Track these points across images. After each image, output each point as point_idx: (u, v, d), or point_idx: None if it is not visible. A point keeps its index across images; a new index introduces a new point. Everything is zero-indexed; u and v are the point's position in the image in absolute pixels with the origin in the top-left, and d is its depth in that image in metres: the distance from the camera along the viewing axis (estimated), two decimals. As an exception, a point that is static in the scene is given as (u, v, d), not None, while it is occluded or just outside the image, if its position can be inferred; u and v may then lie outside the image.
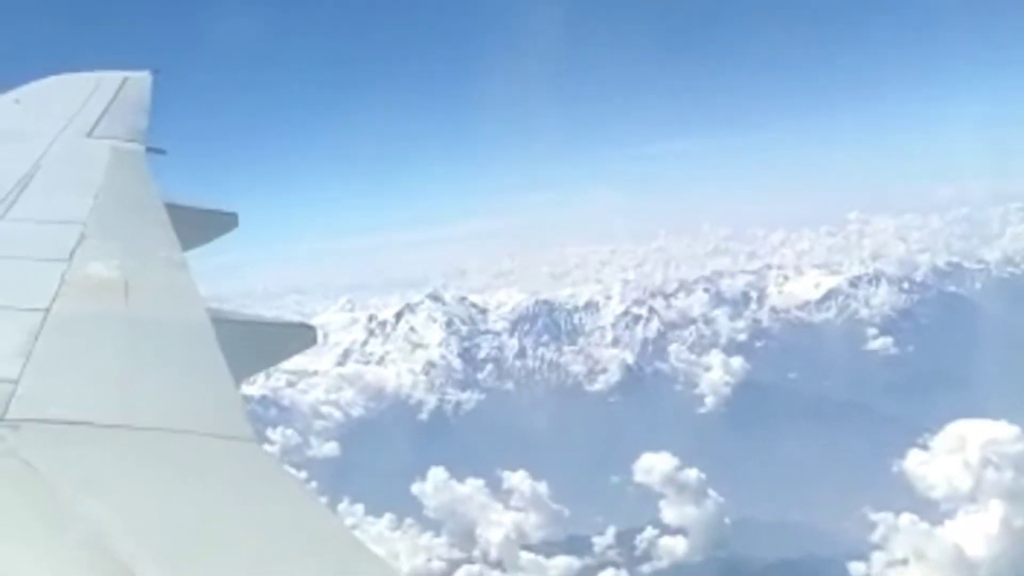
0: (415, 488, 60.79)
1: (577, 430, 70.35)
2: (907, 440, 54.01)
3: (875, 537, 48.92)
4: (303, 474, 60.88)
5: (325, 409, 78.39)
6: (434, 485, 60.58)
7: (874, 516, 49.66)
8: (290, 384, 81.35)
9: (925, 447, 52.19)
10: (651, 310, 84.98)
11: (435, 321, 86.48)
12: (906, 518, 48.04)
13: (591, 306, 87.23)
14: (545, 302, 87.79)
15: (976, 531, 45.66)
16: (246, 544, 5.71)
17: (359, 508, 61.78)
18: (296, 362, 76.52)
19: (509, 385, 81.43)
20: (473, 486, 60.25)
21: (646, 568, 53.11)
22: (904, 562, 46.41)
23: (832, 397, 67.12)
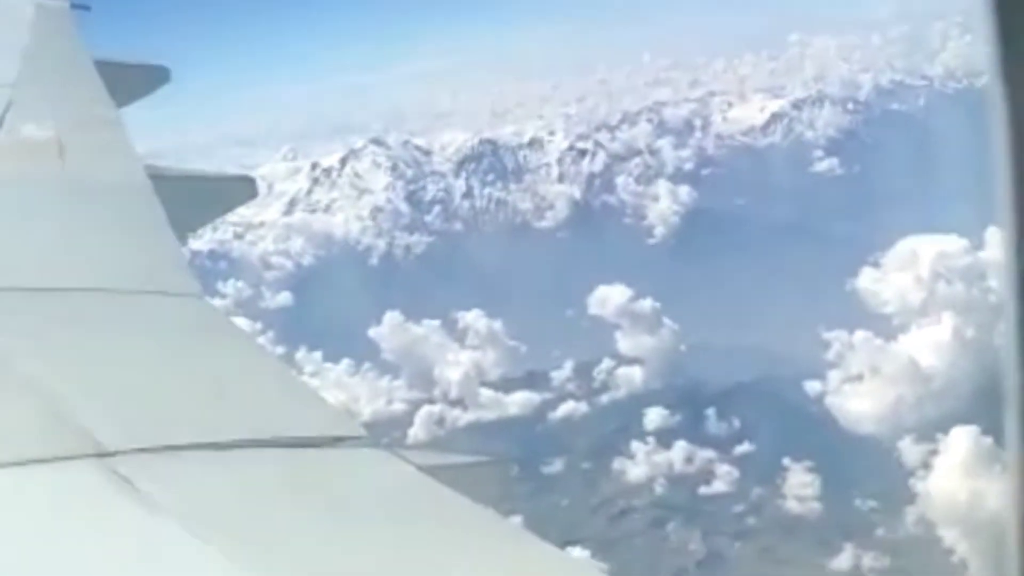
0: (372, 332, 60.85)
1: (528, 267, 70.59)
2: (858, 259, 54.55)
3: (830, 355, 49.81)
4: (258, 325, 60.94)
5: (275, 260, 78.09)
6: (390, 328, 60.79)
7: (828, 335, 50.39)
8: (237, 236, 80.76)
9: (876, 265, 52.75)
10: (596, 144, 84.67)
11: (379, 166, 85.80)
12: (860, 335, 48.92)
13: (535, 143, 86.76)
14: (489, 141, 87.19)
15: (929, 344, 46.60)
16: (200, 398, 5.50)
17: (317, 355, 61.78)
18: (241, 214, 75.97)
19: (457, 226, 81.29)
20: (429, 327, 60.55)
21: (604, 399, 53.88)
22: (859, 378, 47.46)
23: (780, 221, 67.59)
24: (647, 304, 57.05)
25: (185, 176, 9.65)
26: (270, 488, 5.05)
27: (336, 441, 5.61)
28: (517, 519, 41.83)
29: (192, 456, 5.06)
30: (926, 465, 42.93)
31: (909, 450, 43.97)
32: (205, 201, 9.81)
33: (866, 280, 52.33)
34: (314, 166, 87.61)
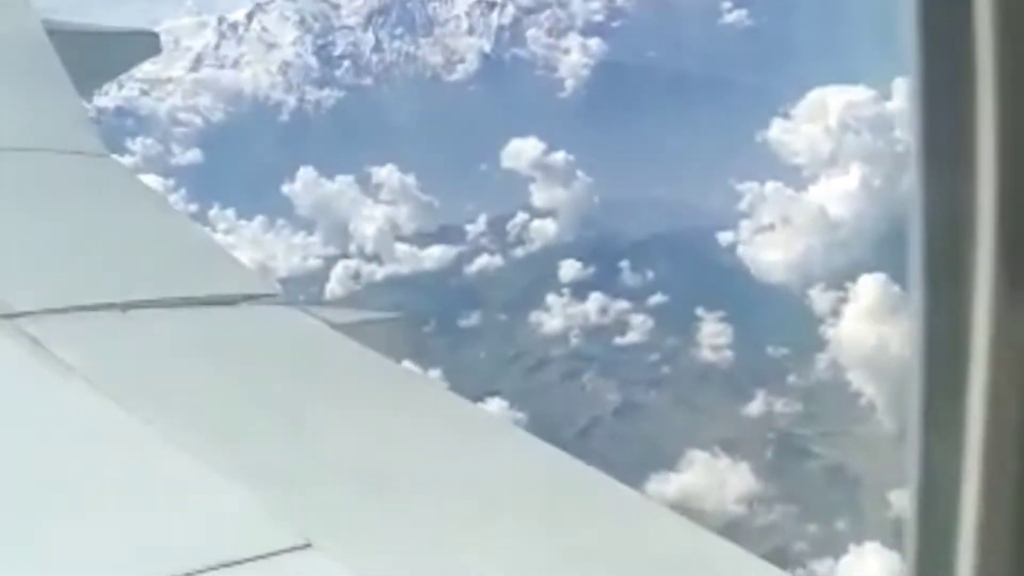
0: (285, 189, 60.41)
1: (440, 121, 70.14)
2: (768, 110, 54.79)
3: (742, 206, 50.25)
4: (170, 182, 60.41)
5: (183, 116, 76.81)
6: (304, 184, 60.37)
7: (740, 186, 50.79)
8: (144, 93, 79.23)
9: (787, 116, 53.02)
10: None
11: (287, 19, 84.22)
12: (771, 186, 49.39)
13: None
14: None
15: (838, 193, 47.17)
16: (109, 257, 5.51)
17: (230, 213, 61.35)
18: (147, 71, 74.41)
19: (367, 81, 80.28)
20: (343, 183, 60.19)
21: (519, 252, 54.04)
22: (771, 228, 48.03)
23: (691, 73, 67.39)
24: (560, 157, 57.03)
25: (85, 31, 9.43)
26: (179, 346, 5.14)
27: (248, 299, 5.65)
28: (435, 372, 42.29)
29: (100, 316, 5.10)
30: (835, 312, 43.80)
31: (819, 298, 44.80)
32: (106, 57, 9.63)
33: (776, 131, 52.61)
34: (220, 20, 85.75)
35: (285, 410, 4.48)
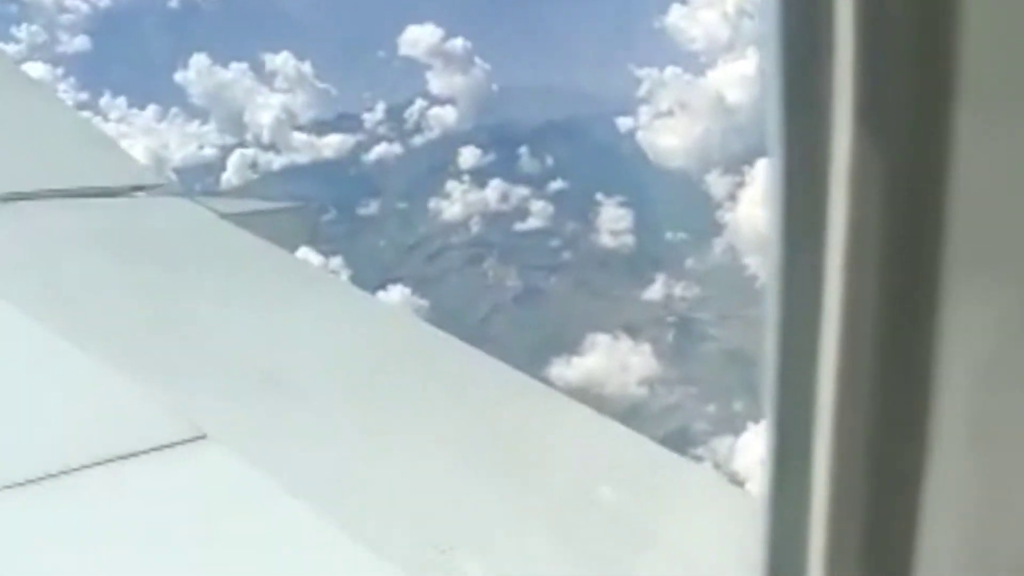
0: (178, 77, 59.31)
1: (334, 8, 68.89)
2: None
3: (641, 92, 50.41)
4: (59, 71, 58.90)
5: (69, 2, 74.64)
6: (197, 72, 59.34)
7: (639, 72, 50.89)
8: (26, -22, 76.88)
9: (684, 2, 53.09)
10: None
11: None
12: (670, 71, 49.60)
13: None
14: None
15: (735, 79, 47.55)
16: None
17: (122, 101, 60.08)
18: (29, -46, 72.37)
19: (256, -34, 78.51)
20: (237, 70, 59.25)
21: (417, 140, 53.80)
22: (670, 113, 48.32)
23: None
24: (458, 44, 56.62)
25: None
26: (64, 238, 5.10)
27: (135, 189, 5.73)
28: (336, 260, 42.18)
29: None
30: (732, 197, 44.36)
31: (716, 183, 45.29)
32: None
33: (674, 17, 52.67)
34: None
35: (175, 302, 4.53)
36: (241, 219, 5.45)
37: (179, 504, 3.53)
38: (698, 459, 32.48)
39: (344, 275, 43.11)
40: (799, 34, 1.04)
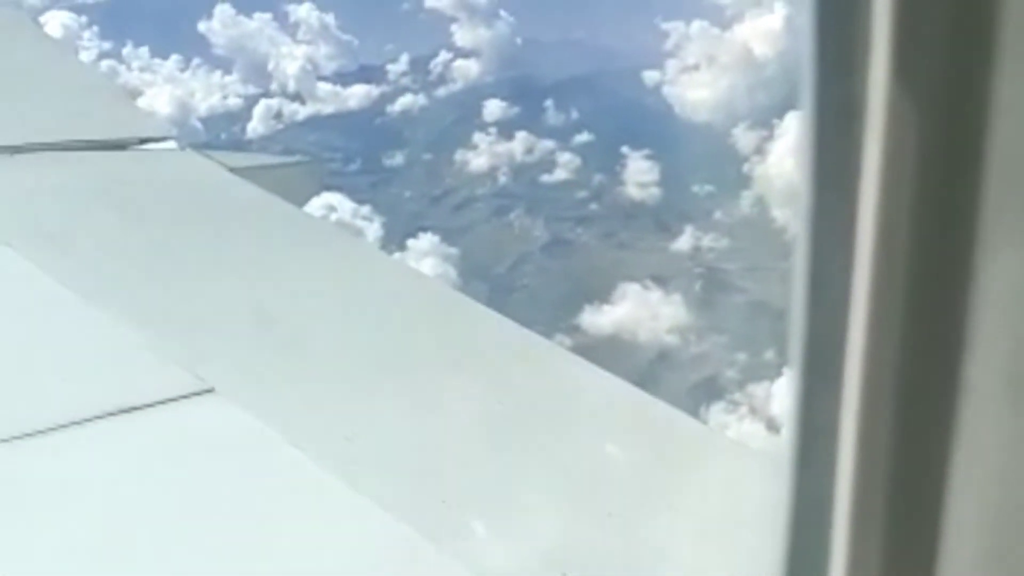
0: (201, 27, 59.33)
1: (357, -40, 68.80)
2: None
3: (667, 46, 50.54)
4: (82, 18, 58.94)
5: (87, -48, 74.59)
6: (221, 22, 59.38)
7: (665, 26, 51.00)
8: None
9: (710, -44, 53.11)
10: None
11: None
12: (696, 25, 49.72)
13: None
14: None
15: (762, 33, 47.67)
16: (2, 95, 5.63)
17: (144, 51, 60.11)
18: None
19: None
20: (260, 20, 59.31)
21: (441, 91, 53.96)
22: (696, 67, 48.49)
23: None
24: (483, -5, 56.72)
25: None
26: (71, 189, 5.13)
27: (144, 142, 5.82)
28: (365, 208, 42.37)
29: None
30: (759, 151, 44.60)
31: (743, 137, 45.51)
32: None
33: (701, -29, 52.77)
34: None
35: (181, 255, 4.62)
36: (249, 173, 5.46)
37: (185, 457, 3.56)
38: (735, 404, 32.97)
39: (375, 223, 43.52)
40: None
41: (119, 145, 5.57)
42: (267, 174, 5.57)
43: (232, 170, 5.42)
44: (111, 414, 3.44)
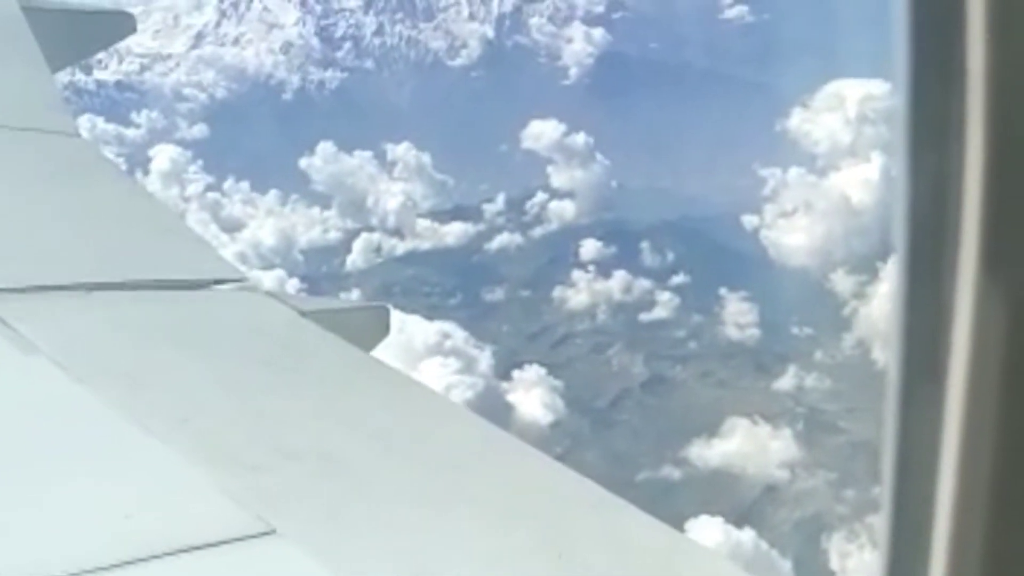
0: (303, 163, 61.19)
1: (446, 104, 70.92)
2: (783, 102, 56.12)
3: (766, 191, 51.66)
4: (189, 153, 60.98)
5: (187, 91, 77.13)
6: (323, 158, 61.18)
7: (763, 172, 52.20)
8: (144, 68, 79.47)
9: (805, 106, 54.52)
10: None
11: (289, 1, 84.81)
12: (794, 172, 50.91)
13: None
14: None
15: (859, 181, 48.74)
16: (75, 237, 6.10)
17: (244, 185, 62.00)
18: (147, 46, 75.21)
19: (369, 63, 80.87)
20: (361, 157, 61.09)
21: (537, 231, 55.22)
22: (793, 213, 49.50)
23: (699, 65, 68.55)
24: (580, 139, 58.28)
25: (59, 9, 9.01)
26: (144, 329, 5.14)
27: (217, 283, 5.65)
28: (462, 333, 43.02)
29: (65, 296, 5.15)
30: (858, 295, 45.30)
31: (841, 281, 46.26)
32: (81, 36, 9.24)
33: (796, 120, 54.11)
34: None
35: (249, 395, 4.65)
36: (319, 316, 5.45)
37: None
38: (855, 534, 33.22)
39: (486, 351, 44.38)
40: (925, 198, 1.11)
41: (193, 285, 5.61)
42: (337, 318, 5.61)
43: (303, 313, 5.40)
44: (171, 553, 3.43)
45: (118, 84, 75.41)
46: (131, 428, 4.04)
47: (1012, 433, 1.10)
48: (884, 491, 1.21)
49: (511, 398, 42.77)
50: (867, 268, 45.28)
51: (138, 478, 3.86)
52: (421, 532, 3.84)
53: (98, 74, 76.40)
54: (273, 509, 3.66)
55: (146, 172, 60.94)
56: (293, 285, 49.80)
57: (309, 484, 3.98)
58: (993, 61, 1.06)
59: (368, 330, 5.79)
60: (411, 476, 4.22)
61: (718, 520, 35.95)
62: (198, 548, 3.46)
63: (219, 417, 4.36)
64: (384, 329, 6.03)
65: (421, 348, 42.76)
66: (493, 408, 41.56)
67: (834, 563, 33.87)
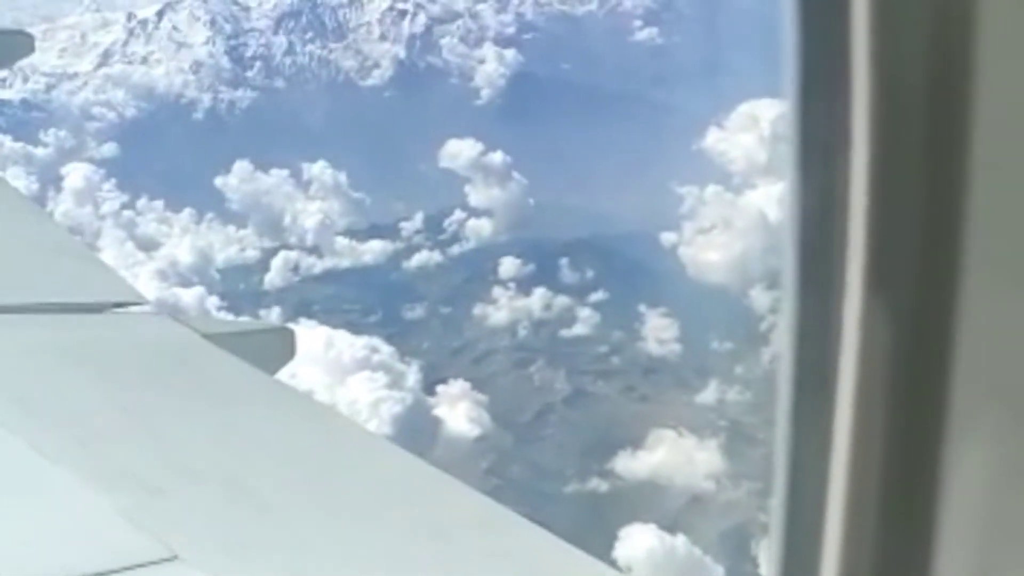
0: (218, 182, 60.86)
1: (361, 123, 70.90)
2: (697, 122, 56.79)
3: (683, 209, 52.28)
4: (103, 171, 60.36)
5: (96, 111, 76.35)
6: (239, 177, 60.90)
7: (680, 190, 52.84)
8: (50, 87, 78.51)
9: (721, 126, 55.31)
10: (416, 5, 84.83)
11: (198, 19, 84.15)
12: (711, 190, 51.60)
13: (355, 2, 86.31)
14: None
15: (776, 198, 49.47)
16: None
17: (158, 204, 61.49)
18: (53, 64, 74.43)
19: (280, 83, 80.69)
20: (278, 176, 60.92)
21: (456, 249, 55.33)
22: (712, 229, 50.17)
23: (609, 87, 69.10)
24: (498, 158, 58.60)
25: None
26: (43, 352, 5.06)
27: (116, 306, 5.60)
28: (388, 348, 42.98)
29: None
30: (776, 310, 45.89)
31: (759, 297, 46.92)
32: None
33: (712, 140, 54.90)
34: (130, 17, 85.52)
35: (149, 418, 4.57)
36: (222, 339, 5.39)
37: None
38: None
39: (413, 366, 44.46)
40: (813, 212, 1.14)
41: (92, 308, 5.54)
42: (240, 340, 5.56)
43: (205, 336, 5.35)
44: None
45: (23, 103, 74.44)
46: (29, 452, 3.95)
47: (897, 441, 1.14)
48: (776, 496, 1.24)
49: (438, 412, 42.87)
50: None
51: (36, 503, 3.78)
52: (324, 556, 3.79)
53: (2, 93, 75.35)
54: (175, 534, 3.58)
55: (59, 190, 60.14)
56: (213, 303, 49.55)
57: (212, 508, 3.92)
58: (877, 79, 1.10)
59: (272, 352, 5.75)
60: (314, 499, 4.18)
61: (651, 527, 36.37)
62: (100, 575, 3.40)
63: (119, 441, 4.27)
64: (289, 351, 5.96)
65: (349, 362, 42.80)
66: (421, 422, 41.73)
67: (764, 569, 34.29)
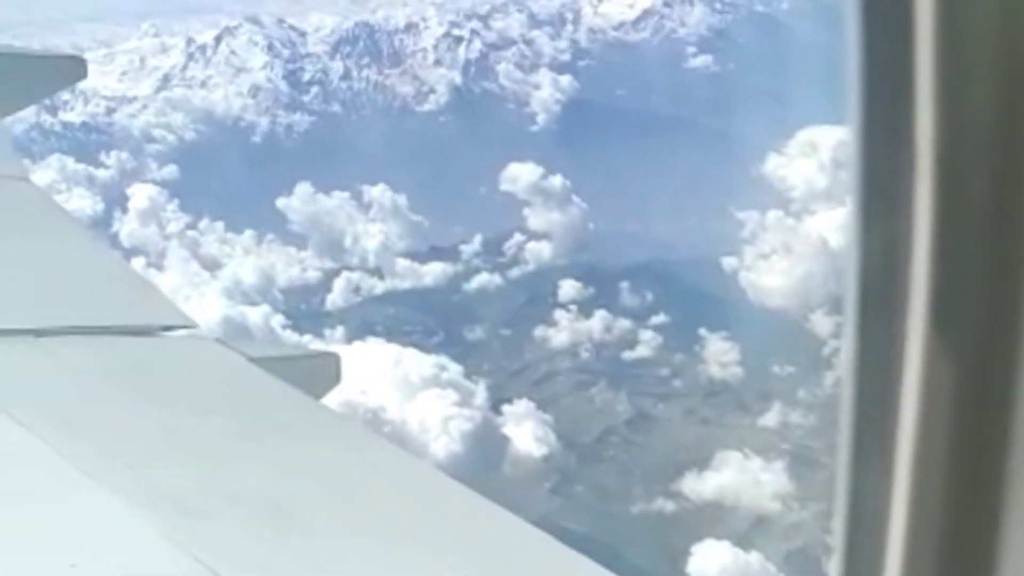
0: (280, 203, 61.56)
1: (418, 147, 71.54)
2: (756, 148, 57.01)
3: (744, 234, 52.62)
4: (167, 192, 61.20)
5: (156, 133, 77.35)
6: (301, 199, 61.62)
7: (740, 215, 53.14)
8: (110, 111, 79.59)
9: (780, 152, 55.59)
10: (472, 32, 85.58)
11: (256, 44, 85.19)
12: (772, 215, 51.93)
13: (411, 28, 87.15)
14: (365, 24, 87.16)
15: (836, 224, 49.72)
16: (24, 283, 5.80)
17: (219, 225, 62.26)
18: (114, 88, 75.47)
19: (336, 107, 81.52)
20: (339, 199, 61.60)
21: (515, 272, 55.79)
22: (772, 254, 50.47)
23: (664, 113, 69.19)
24: (557, 182, 59.06)
25: (6, 54, 8.97)
26: (92, 374, 5.11)
27: (165, 329, 5.67)
28: (457, 367, 43.44)
29: (13, 341, 5.14)
30: (837, 335, 46.12)
31: (821, 322, 47.16)
32: (29, 80, 9.06)
33: (772, 166, 55.20)
34: (189, 42, 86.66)
35: (194, 441, 4.65)
36: (269, 363, 5.46)
37: None
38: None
39: (480, 385, 44.90)
40: (876, 247, 1.15)
41: (142, 331, 5.64)
42: (287, 365, 5.63)
43: (252, 360, 5.42)
44: None
45: (84, 126, 75.49)
46: (76, 474, 4.01)
47: (957, 473, 1.15)
48: (838, 519, 1.27)
49: (506, 431, 43.28)
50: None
51: (83, 525, 3.83)
52: None
53: (64, 115, 76.40)
54: (217, 555, 3.61)
55: (124, 211, 61.01)
56: (278, 321, 50.14)
57: (253, 530, 3.97)
58: (943, 111, 1.10)
59: (318, 377, 5.80)
60: (356, 523, 4.24)
61: (725, 544, 36.62)
62: None
63: (165, 463, 4.34)
64: (335, 376, 6.01)
65: (418, 380, 43.28)
66: (490, 440, 42.16)
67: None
